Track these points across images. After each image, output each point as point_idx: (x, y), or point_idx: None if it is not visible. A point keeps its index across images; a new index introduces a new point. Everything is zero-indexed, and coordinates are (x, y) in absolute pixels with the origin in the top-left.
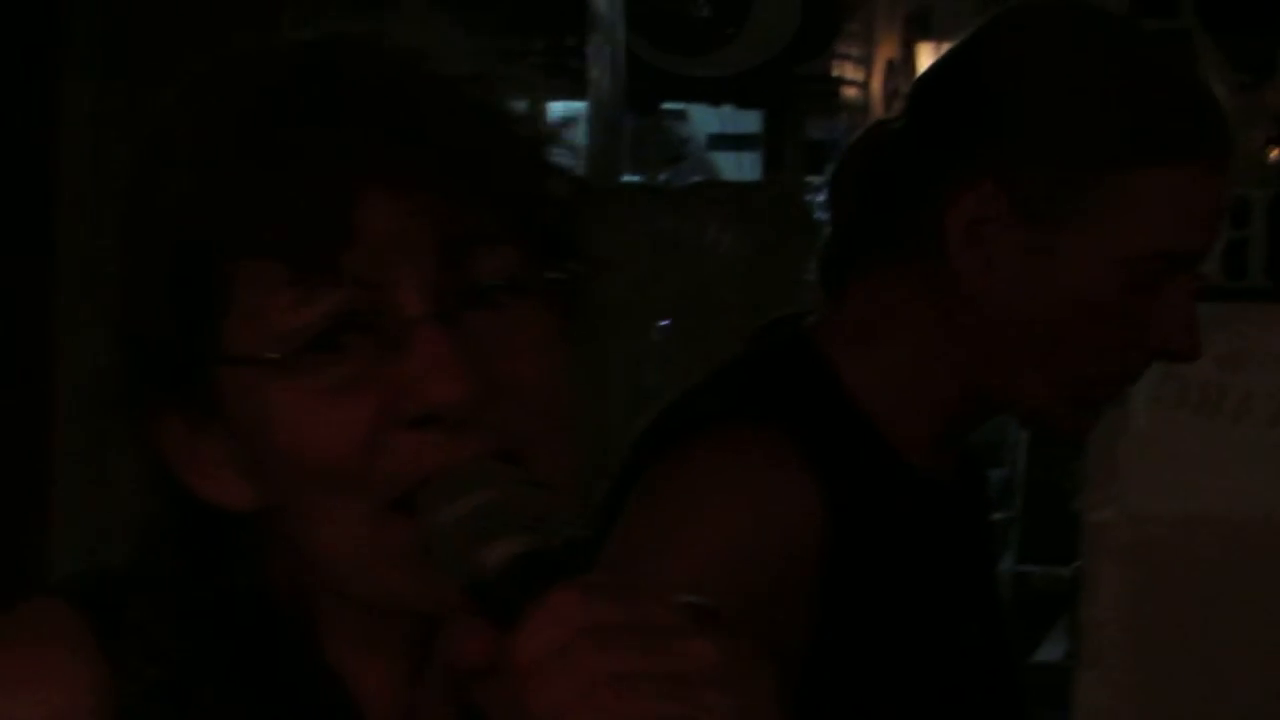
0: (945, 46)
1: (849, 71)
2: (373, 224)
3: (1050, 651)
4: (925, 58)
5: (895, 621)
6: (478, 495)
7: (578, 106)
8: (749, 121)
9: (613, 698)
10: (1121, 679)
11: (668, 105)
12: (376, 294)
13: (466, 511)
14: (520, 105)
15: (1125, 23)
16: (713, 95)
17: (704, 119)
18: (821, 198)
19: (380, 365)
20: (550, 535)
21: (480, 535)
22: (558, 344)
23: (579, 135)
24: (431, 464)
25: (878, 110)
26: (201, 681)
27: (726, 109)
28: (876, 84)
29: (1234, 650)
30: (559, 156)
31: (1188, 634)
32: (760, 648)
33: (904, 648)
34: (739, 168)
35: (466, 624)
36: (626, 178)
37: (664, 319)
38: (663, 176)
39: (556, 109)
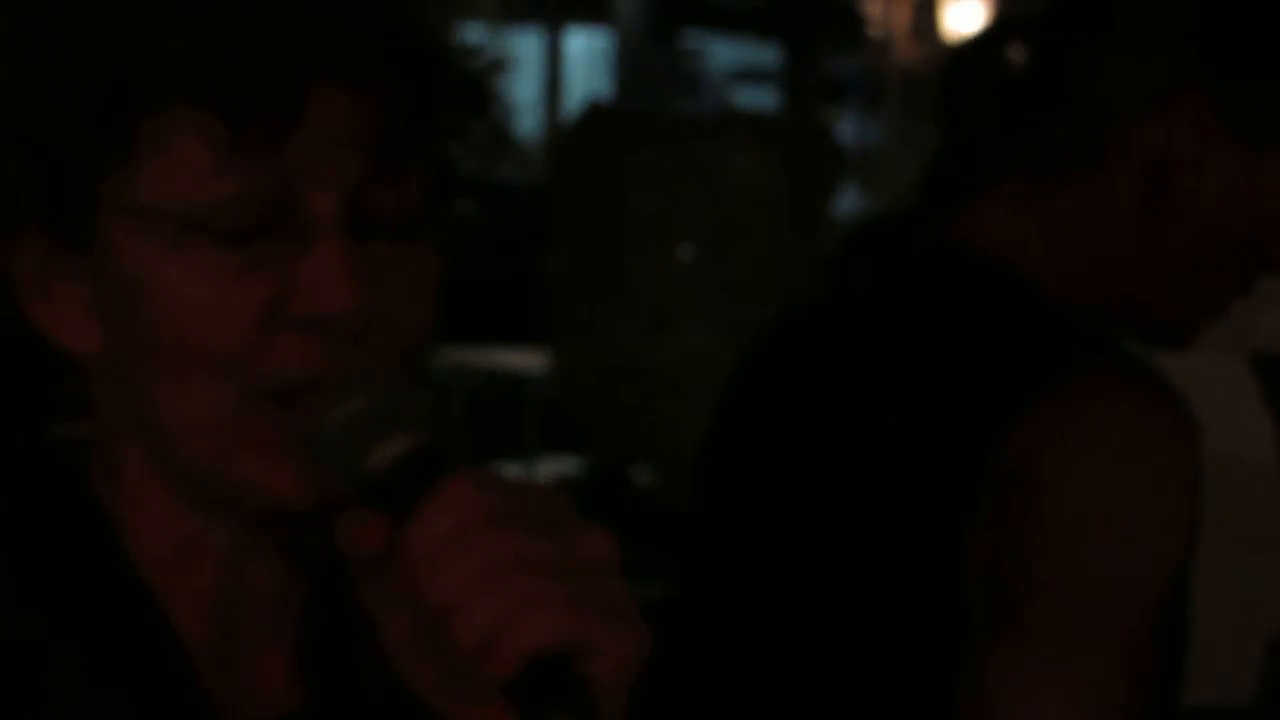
0: None
1: (872, 6)
2: (318, 115)
3: None
4: None
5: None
6: (366, 397)
7: (600, 33)
8: (769, 55)
9: (512, 578)
10: None
11: (689, 32)
12: (293, 186)
13: (355, 412)
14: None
15: None
16: (734, 24)
17: (725, 51)
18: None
19: (277, 259)
20: (435, 434)
21: (370, 435)
22: (435, 286)
23: (602, 62)
24: (314, 368)
25: (901, 47)
26: None
27: (748, 42)
28: (901, 19)
29: None
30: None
31: None
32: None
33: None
34: (758, 100)
35: (359, 515)
36: (647, 106)
37: (687, 244)
38: (683, 105)
39: (578, 37)
